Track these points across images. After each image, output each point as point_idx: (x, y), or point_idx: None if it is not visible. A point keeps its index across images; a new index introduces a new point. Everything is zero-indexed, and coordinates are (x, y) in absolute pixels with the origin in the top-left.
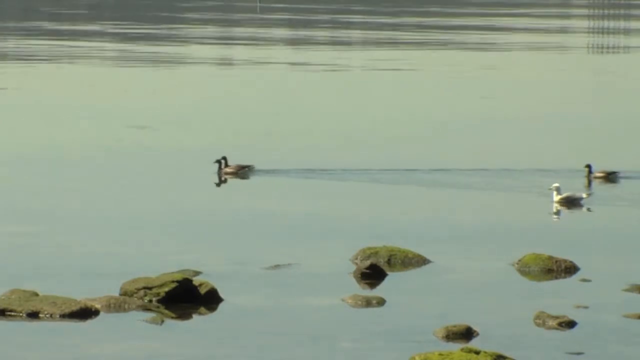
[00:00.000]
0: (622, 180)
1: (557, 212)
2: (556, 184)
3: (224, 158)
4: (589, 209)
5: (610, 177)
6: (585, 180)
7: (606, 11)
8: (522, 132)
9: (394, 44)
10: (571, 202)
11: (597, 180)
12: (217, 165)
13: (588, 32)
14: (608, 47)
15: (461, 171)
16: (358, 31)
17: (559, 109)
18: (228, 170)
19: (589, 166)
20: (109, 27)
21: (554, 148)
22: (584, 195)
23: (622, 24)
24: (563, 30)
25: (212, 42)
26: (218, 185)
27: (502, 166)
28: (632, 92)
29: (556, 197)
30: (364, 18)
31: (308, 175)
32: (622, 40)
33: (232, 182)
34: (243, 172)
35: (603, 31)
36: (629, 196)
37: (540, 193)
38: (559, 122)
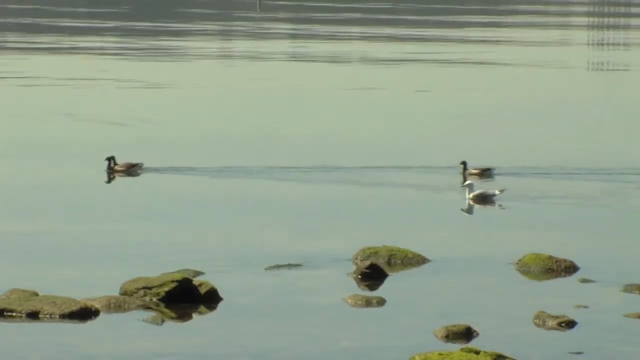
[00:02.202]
0: (496, 177)
1: (470, 210)
2: (469, 181)
3: (113, 157)
4: (501, 206)
5: (486, 174)
6: (461, 177)
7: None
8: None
9: (391, 39)
10: (484, 199)
11: (473, 177)
12: (106, 163)
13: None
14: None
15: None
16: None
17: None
18: (117, 168)
19: (464, 163)
20: (105, 23)
21: (432, 145)
22: (497, 192)
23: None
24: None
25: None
26: (108, 182)
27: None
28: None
29: (469, 195)
30: (364, 15)
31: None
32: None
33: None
34: (133, 170)
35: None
36: (538, 192)
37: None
38: (438, 118)
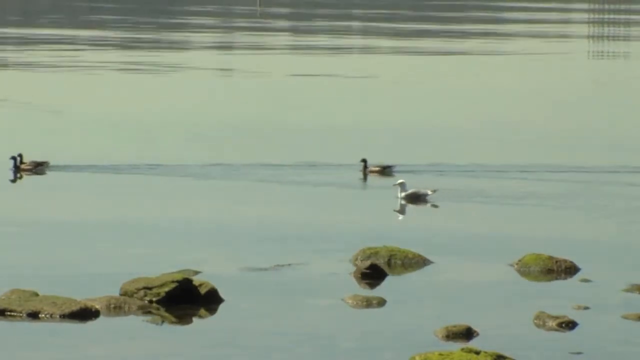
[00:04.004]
0: (395, 174)
1: (402, 209)
2: (401, 180)
3: (20, 155)
4: (434, 205)
5: (386, 171)
6: (362, 174)
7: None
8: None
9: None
10: (417, 199)
11: (373, 175)
12: (12, 161)
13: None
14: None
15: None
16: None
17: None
18: (24, 167)
19: (364, 160)
20: (105, 31)
21: (329, 144)
22: (430, 192)
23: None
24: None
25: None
26: (13, 181)
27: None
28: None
29: (401, 194)
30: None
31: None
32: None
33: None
34: (39, 168)
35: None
36: (475, 192)
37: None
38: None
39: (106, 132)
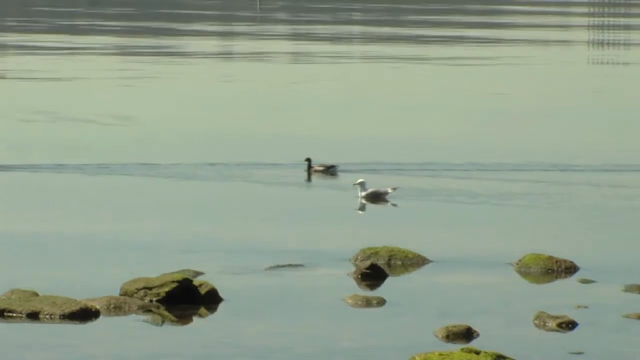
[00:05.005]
0: (340, 174)
1: (363, 208)
2: (361, 179)
3: None
4: (394, 204)
5: (330, 171)
6: (306, 174)
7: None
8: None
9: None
10: (376, 197)
11: (317, 174)
12: None
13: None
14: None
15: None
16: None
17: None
18: None
19: (308, 160)
20: (105, 24)
21: (278, 142)
22: (390, 190)
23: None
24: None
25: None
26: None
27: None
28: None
29: (361, 193)
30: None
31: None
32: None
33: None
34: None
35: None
36: (435, 190)
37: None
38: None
39: (96, 131)
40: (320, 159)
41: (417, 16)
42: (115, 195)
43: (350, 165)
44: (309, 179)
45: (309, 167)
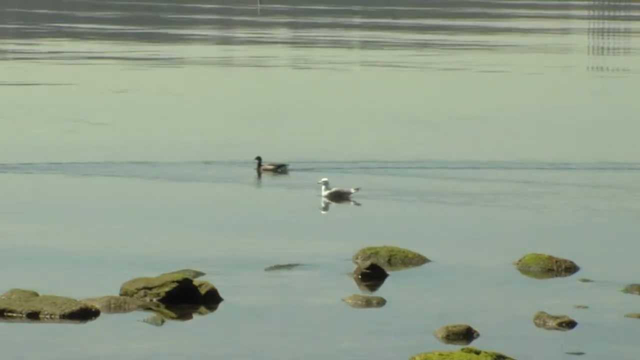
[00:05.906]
0: (291, 173)
1: (326, 207)
2: (325, 179)
3: None
4: (357, 203)
5: (280, 170)
6: (256, 173)
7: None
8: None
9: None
10: (340, 197)
11: (267, 173)
12: None
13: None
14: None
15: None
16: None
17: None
18: None
19: (259, 158)
20: (106, 28)
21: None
22: (353, 190)
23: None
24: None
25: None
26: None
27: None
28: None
29: (324, 192)
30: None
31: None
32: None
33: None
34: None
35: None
36: (399, 188)
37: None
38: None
39: (101, 132)
40: (273, 159)
41: (416, 20)
42: (115, 196)
43: (303, 164)
44: (259, 177)
45: (259, 165)
